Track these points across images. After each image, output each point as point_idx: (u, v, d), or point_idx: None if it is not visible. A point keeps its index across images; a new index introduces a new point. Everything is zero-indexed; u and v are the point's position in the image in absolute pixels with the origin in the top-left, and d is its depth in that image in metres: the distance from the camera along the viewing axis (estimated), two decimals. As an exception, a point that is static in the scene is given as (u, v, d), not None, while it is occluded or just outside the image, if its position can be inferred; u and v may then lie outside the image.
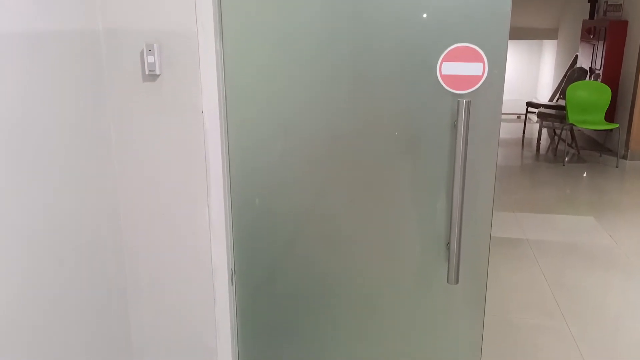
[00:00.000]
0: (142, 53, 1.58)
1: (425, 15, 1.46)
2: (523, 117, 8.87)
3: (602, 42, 7.15)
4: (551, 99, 8.81)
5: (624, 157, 6.53)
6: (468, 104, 1.45)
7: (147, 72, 1.58)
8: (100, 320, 1.69)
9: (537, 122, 8.07)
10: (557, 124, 7.07)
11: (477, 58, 1.46)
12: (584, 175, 5.90)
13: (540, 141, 7.59)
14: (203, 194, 1.67)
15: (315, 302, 1.75)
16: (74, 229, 1.55)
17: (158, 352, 1.85)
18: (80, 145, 1.55)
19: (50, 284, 1.46)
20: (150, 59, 1.57)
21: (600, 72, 7.14)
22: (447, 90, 1.50)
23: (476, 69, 1.47)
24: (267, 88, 1.59)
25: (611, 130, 6.51)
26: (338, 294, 1.73)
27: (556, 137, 7.56)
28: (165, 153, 1.66)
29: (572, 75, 7.57)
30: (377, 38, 1.50)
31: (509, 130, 8.49)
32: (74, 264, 1.55)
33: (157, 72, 1.58)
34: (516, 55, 11.71)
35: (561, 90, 8.02)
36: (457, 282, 1.58)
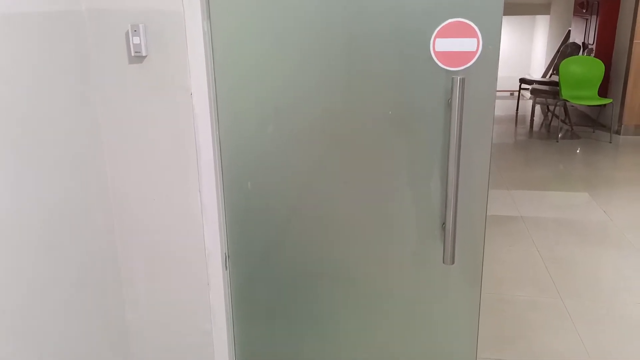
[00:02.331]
0: (127, 34, 1.54)
1: (417, -10, 1.42)
2: (516, 93, 8.84)
3: (595, 16, 7.10)
4: (544, 75, 8.79)
5: (618, 132, 6.54)
6: (462, 81, 1.42)
7: (133, 54, 1.54)
8: (95, 306, 1.67)
9: (530, 98, 8.04)
10: (550, 100, 7.05)
11: (471, 33, 1.43)
12: (578, 151, 5.91)
13: (534, 118, 7.57)
14: (194, 178, 1.64)
15: (309, 285, 1.74)
16: (64, 215, 1.52)
17: (154, 336, 1.84)
18: (67, 131, 1.51)
19: (41, 269, 1.44)
20: (136, 40, 1.52)
21: (593, 46, 7.10)
22: (440, 67, 1.47)
23: (470, 44, 1.44)
24: (257, 68, 1.56)
25: (604, 105, 6.50)
26: (333, 277, 1.71)
27: (549, 114, 7.55)
28: (154, 137, 1.62)
29: (565, 50, 7.53)
30: (369, 14, 1.46)
31: (502, 107, 8.47)
32: (65, 251, 1.53)
33: (144, 54, 1.54)
34: (509, 31, 11.63)
35: (554, 66, 7.99)
36: (452, 262, 1.56)
